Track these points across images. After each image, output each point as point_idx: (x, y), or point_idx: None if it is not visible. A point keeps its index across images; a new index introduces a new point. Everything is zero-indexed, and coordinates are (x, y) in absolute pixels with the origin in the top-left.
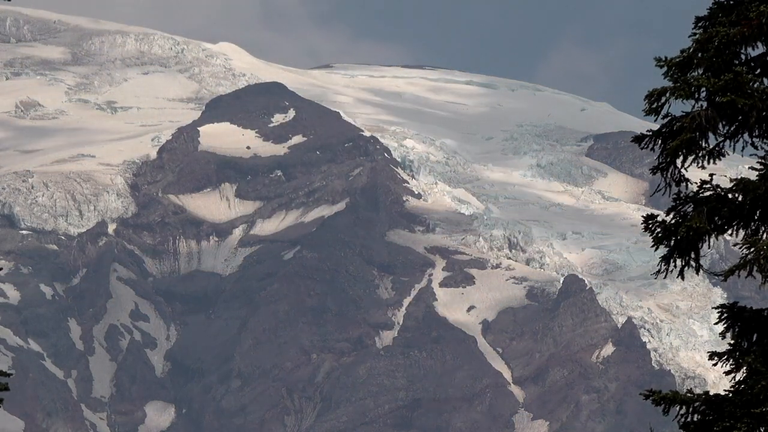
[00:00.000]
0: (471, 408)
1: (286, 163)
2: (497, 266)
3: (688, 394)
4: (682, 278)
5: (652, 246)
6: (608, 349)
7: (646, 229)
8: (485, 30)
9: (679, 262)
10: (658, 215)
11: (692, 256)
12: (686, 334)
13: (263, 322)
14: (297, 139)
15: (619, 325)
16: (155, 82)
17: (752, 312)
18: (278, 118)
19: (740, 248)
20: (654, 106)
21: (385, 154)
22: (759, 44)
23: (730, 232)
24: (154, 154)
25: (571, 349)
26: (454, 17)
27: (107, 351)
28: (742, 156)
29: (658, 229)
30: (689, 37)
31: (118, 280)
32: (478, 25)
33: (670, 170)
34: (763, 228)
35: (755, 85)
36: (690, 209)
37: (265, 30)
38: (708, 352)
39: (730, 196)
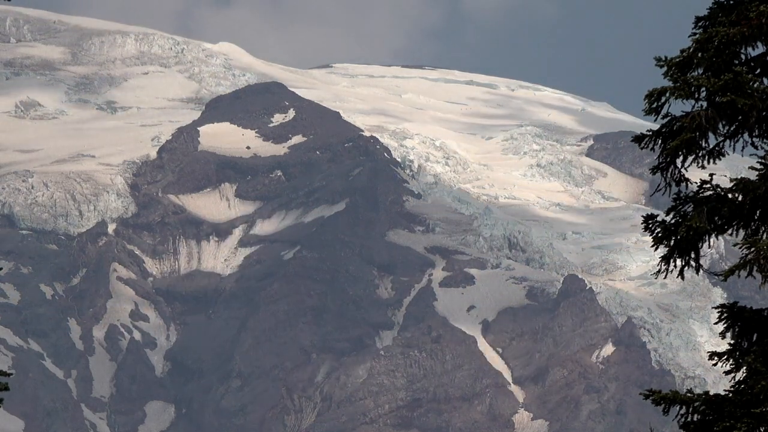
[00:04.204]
0: (471, 408)
1: (286, 163)
2: (497, 266)
3: (688, 394)
4: (682, 278)
5: (652, 246)
6: (608, 349)
7: (646, 229)
8: (486, 30)
9: (679, 262)
10: (658, 215)
11: (692, 256)
12: (686, 334)
13: (263, 322)
14: (297, 139)
15: (619, 325)
16: (155, 82)
17: (752, 312)
18: (278, 118)
19: (740, 248)
20: (654, 106)
21: (385, 154)
22: (759, 44)
23: (730, 232)
24: (154, 154)
25: (571, 349)
26: (454, 17)
27: (107, 351)
28: (742, 156)
29: (658, 229)
30: (689, 37)
31: (118, 280)
32: (478, 25)
33: (670, 170)
34: (763, 228)
35: (755, 85)
36: (690, 209)
37: (265, 30)
38: (708, 352)
39: (730, 196)
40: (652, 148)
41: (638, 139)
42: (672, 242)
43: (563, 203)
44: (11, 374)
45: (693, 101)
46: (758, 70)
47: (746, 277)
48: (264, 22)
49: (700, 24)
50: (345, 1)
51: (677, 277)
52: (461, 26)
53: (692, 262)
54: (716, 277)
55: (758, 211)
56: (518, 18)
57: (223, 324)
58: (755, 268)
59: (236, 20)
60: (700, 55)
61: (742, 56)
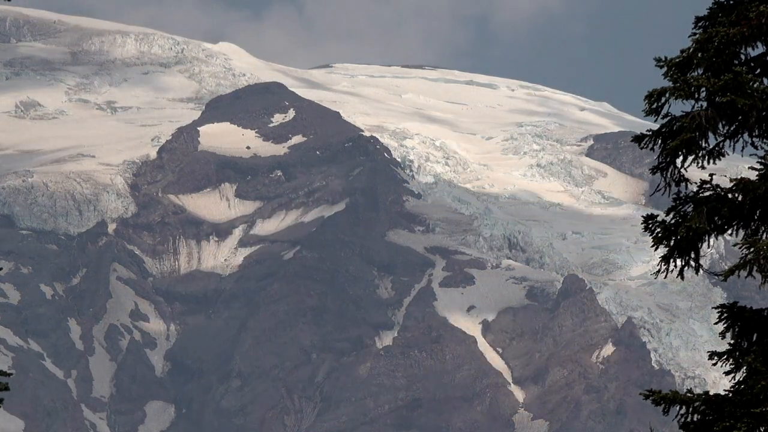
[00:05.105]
0: (471, 408)
1: (286, 163)
2: (497, 266)
3: (688, 394)
4: (682, 278)
5: (652, 246)
6: (608, 349)
7: (646, 229)
8: (486, 29)
9: (679, 262)
10: (658, 215)
11: (692, 256)
12: (686, 334)
13: (263, 322)
14: (297, 139)
15: (619, 325)
16: (155, 82)
17: (752, 312)
18: (278, 118)
19: (740, 248)
20: (654, 106)
21: (385, 154)
22: (759, 44)
23: (730, 232)
24: (154, 154)
25: (571, 349)
26: (454, 16)
27: (107, 351)
28: (742, 156)
29: (658, 229)
30: (689, 37)
31: (118, 280)
32: (478, 25)
33: (670, 170)
34: (763, 228)
35: (755, 85)
36: (690, 209)
37: (265, 30)
38: (708, 352)
39: (730, 196)
40: (652, 148)
41: (638, 139)
42: (672, 242)
43: (563, 203)
44: (11, 374)
45: (693, 101)
46: (758, 70)
47: (746, 277)
48: (296, 40)
49: (700, 24)
50: (374, 18)
51: (677, 277)
52: (462, 25)
53: (692, 262)
54: (716, 277)
55: (758, 211)
56: (530, 24)
57: (223, 324)
58: (755, 268)
59: (269, 36)
60: (700, 55)
61: (742, 56)
